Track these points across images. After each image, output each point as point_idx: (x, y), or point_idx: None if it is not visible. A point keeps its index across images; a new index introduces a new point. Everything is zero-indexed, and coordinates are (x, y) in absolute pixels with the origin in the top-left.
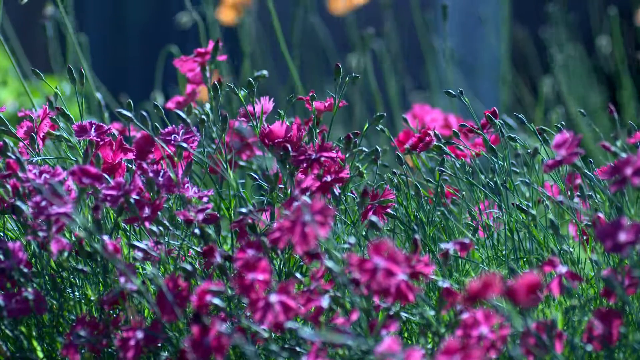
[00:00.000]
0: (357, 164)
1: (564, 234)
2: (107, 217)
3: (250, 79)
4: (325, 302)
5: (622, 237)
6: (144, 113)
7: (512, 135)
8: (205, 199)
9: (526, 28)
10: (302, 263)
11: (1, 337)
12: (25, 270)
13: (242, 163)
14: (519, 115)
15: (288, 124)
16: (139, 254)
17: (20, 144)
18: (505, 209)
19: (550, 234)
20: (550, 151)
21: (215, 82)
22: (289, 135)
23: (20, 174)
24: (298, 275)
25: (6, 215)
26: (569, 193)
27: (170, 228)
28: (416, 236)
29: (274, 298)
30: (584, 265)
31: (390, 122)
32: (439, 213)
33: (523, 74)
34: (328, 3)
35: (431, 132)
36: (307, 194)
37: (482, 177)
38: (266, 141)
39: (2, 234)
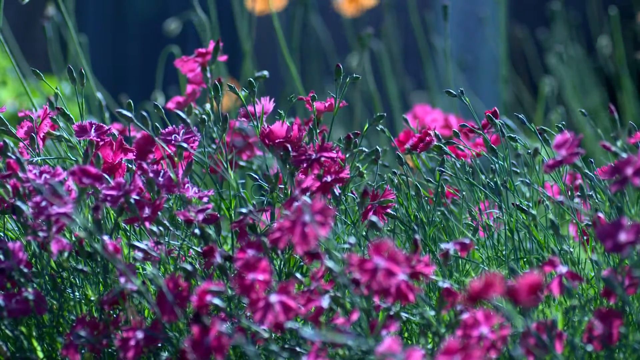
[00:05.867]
0: (358, 164)
1: (564, 234)
2: (107, 217)
3: (251, 79)
4: (325, 302)
5: (623, 237)
6: (144, 113)
7: (512, 135)
8: (205, 199)
9: (526, 28)
10: (302, 263)
11: (1, 337)
12: (26, 270)
13: (242, 163)
14: (519, 116)
15: (288, 124)
16: (139, 254)
17: (21, 144)
18: (505, 209)
19: (551, 234)
20: (550, 151)
21: (216, 82)
22: (289, 135)
23: (21, 174)
24: (298, 275)
25: (6, 215)
26: (569, 193)
27: (171, 228)
28: (416, 236)
29: (274, 298)
30: (584, 265)
31: (390, 123)
32: (439, 213)
33: (523, 74)
34: (338, 5)
35: (431, 132)
36: (308, 194)
37: (483, 177)
38: (267, 141)
39: (2, 234)
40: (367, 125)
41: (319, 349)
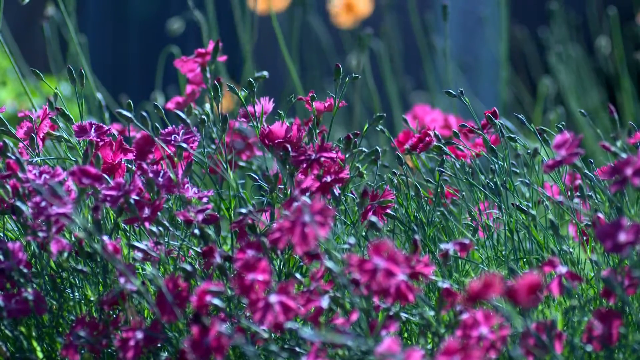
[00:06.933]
0: (357, 165)
1: (563, 235)
2: (107, 217)
3: (251, 79)
4: (325, 302)
5: (622, 237)
6: (144, 113)
7: (512, 135)
8: (205, 200)
9: (526, 28)
10: (302, 263)
11: (1, 338)
12: (25, 270)
13: (242, 163)
14: (519, 116)
15: (288, 125)
16: (139, 255)
17: (20, 144)
18: (505, 210)
19: (550, 234)
20: (550, 151)
21: (216, 83)
22: (289, 135)
23: (20, 175)
24: (298, 275)
25: (6, 216)
26: (569, 193)
27: (170, 228)
28: (416, 237)
29: (273, 298)
30: (583, 265)
31: (390, 123)
32: (438, 213)
33: (523, 73)
34: (333, 16)
35: (431, 133)
36: (307, 194)
37: (482, 177)
38: (266, 141)
39: (2, 235)
40: (366, 126)
41: (318, 349)
